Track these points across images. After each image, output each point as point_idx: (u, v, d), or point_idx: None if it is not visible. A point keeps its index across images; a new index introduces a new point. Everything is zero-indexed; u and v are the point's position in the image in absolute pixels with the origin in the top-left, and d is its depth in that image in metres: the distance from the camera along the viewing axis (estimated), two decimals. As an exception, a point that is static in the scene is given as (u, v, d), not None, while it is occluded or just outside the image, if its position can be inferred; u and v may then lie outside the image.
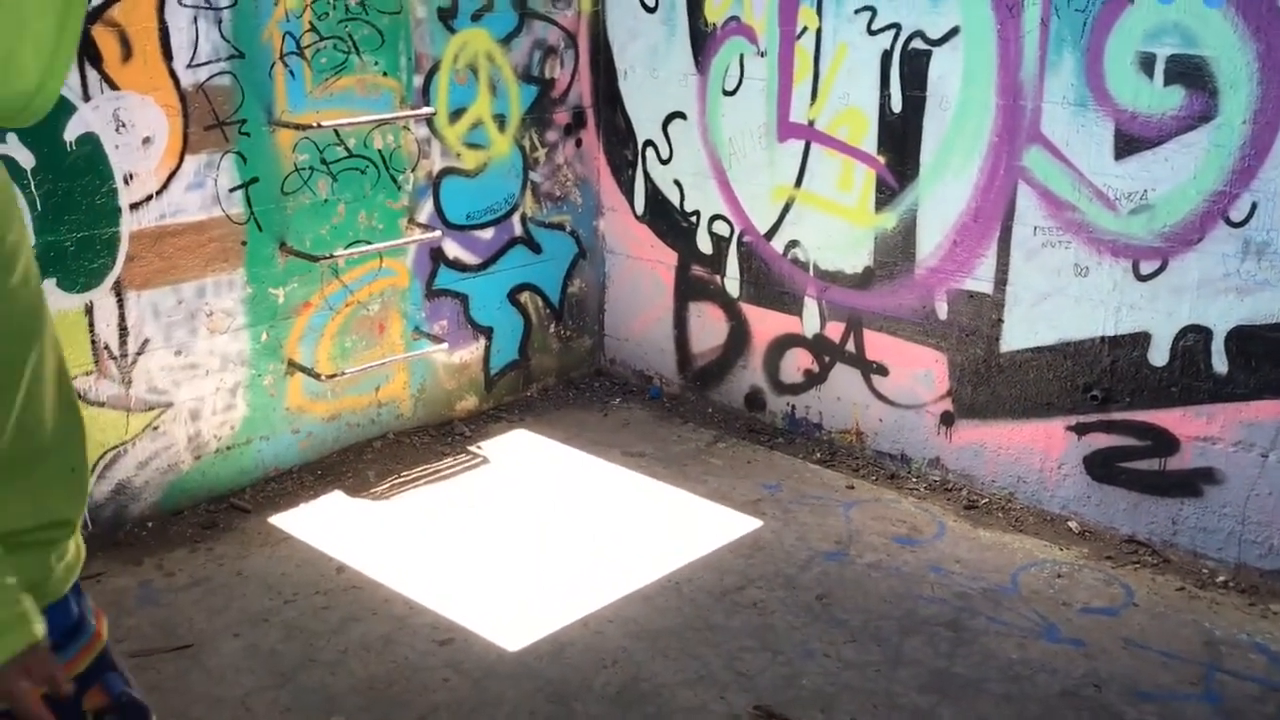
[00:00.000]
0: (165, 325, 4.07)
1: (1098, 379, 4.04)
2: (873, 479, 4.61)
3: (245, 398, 4.36)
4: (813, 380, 4.89)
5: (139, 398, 4.06)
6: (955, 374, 4.42)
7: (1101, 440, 4.08)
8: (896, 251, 4.46)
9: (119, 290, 3.92)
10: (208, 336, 4.20)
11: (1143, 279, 3.86)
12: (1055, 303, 4.08)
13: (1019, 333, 4.21)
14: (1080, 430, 4.12)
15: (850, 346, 4.72)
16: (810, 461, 4.77)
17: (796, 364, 4.93)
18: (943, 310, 4.39)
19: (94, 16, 3.67)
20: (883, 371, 4.64)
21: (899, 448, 4.65)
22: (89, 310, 3.87)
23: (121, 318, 3.95)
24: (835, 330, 4.75)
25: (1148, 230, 3.81)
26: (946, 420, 4.48)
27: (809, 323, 4.83)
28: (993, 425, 4.36)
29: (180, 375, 4.15)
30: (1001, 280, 4.20)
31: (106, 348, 3.94)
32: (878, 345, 4.63)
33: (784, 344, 4.96)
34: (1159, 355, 3.87)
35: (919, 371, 4.52)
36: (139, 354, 4.02)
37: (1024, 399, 4.25)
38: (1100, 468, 4.11)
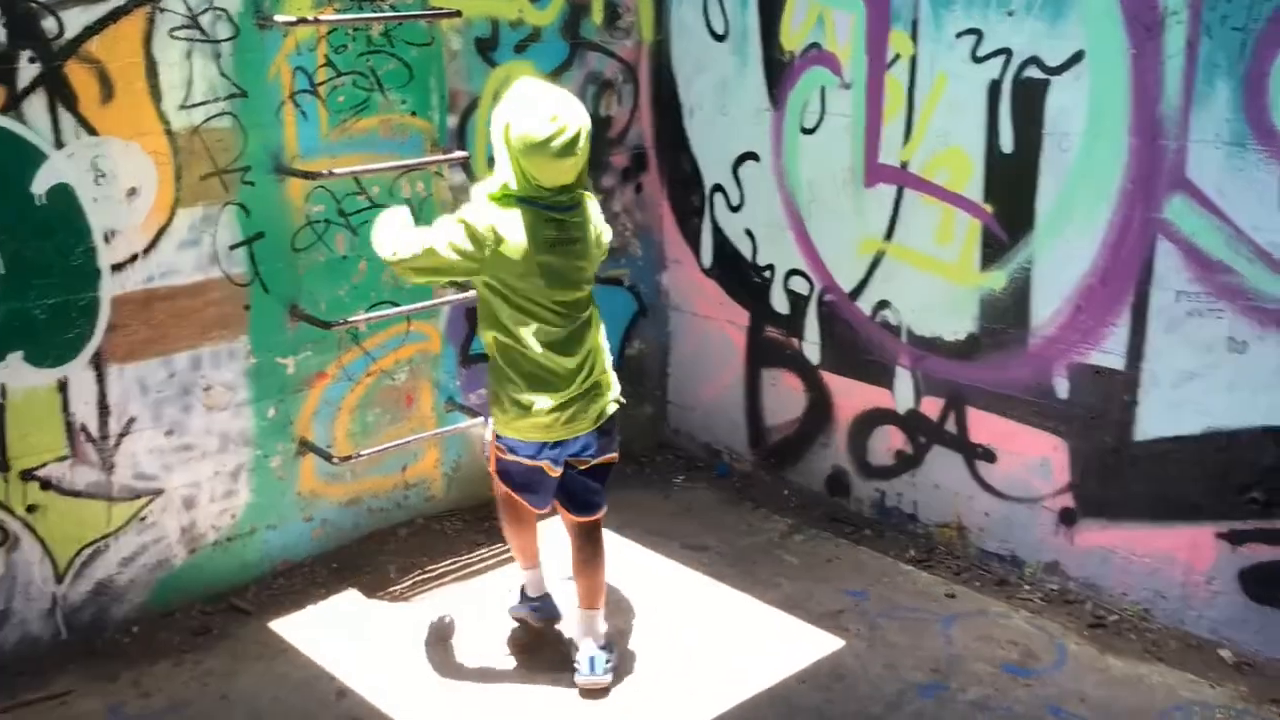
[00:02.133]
0: (154, 402, 3.55)
1: (1259, 479, 3.28)
2: (977, 585, 3.89)
3: (249, 482, 3.82)
4: (906, 464, 4.19)
5: (123, 485, 3.54)
6: (1078, 464, 3.69)
7: (1263, 552, 3.32)
8: (1007, 316, 3.76)
9: (99, 363, 3.42)
10: (204, 414, 3.67)
11: (1319, 359, 3.11)
12: (1204, 384, 3.34)
13: (1158, 419, 3.47)
14: (1235, 539, 3.36)
15: (951, 426, 4.01)
16: (903, 561, 4.06)
17: (887, 444, 4.23)
18: (1063, 388, 3.67)
19: (68, 51, 3.18)
20: (989, 457, 3.92)
21: (1009, 548, 3.93)
22: (62, 387, 3.37)
23: (101, 395, 3.45)
24: (933, 406, 4.05)
25: (1326, 299, 3.07)
26: (1067, 519, 3.75)
27: (901, 396, 4.14)
28: (1124, 528, 3.62)
29: (172, 458, 3.63)
30: (1136, 355, 3.47)
31: (84, 429, 3.43)
32: (984, 426, 3.92)
33: (872, 420, 4.27)
34: (1341, 453, 3.12)
35: (1033, 459, 3.80)
36: (123, 435, 3.51)
37: (1164, 498, 3.50)
38: (1261, 585, 3.34)
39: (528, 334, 3.06)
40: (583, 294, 3.18)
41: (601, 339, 3.27)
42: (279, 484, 3.90)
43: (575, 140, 2.93)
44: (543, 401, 3.09)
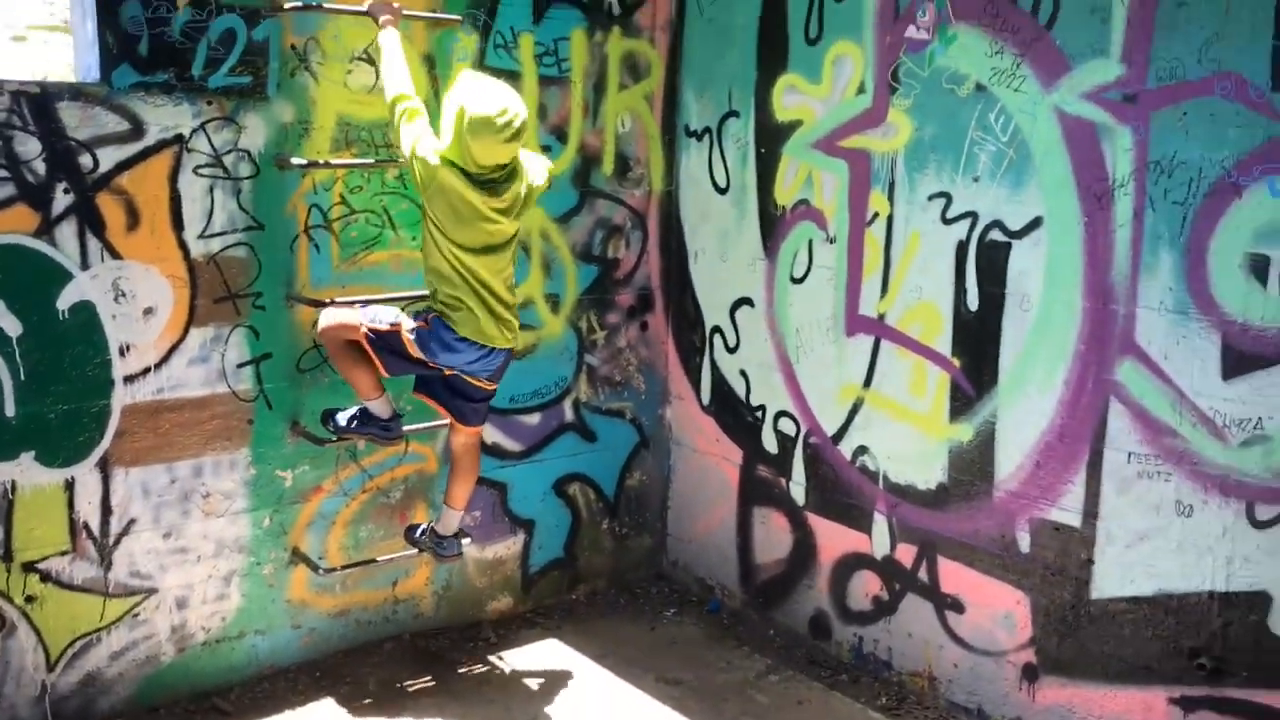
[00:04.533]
0: (155, 505, 3.81)
1: (1206, 644, 3.27)
2: (941, 737, 3.89)
3: (241, 587, 4.03)
4: (882, 610, 4.23)
5: (119, 582, 3.78)
6: (1039, 620, 3.70)
7: (1215, 721, 3.29)
8: (974, 469, 3.84)
9: (105, 466, 3.69)
10: (202, 519, 3.91)
11: (1260, 526, 3.13)
12: (1154, 545, 3.37)
13: (1112, 578, 3.49)
14: (1187, 706, 3.34)
15: (923, 574, 4.06)
16: (873, 708, 4.07)
17: (865, 588, 4.29)
18: (1025, 542, 3.71)
19: (100, 184, 3.54)
20: (958, 608, 3.95)
21: (975, 701, 3.92)
22: (69, 486, 3.64)
23: (105, 495, 3.71)
24: (907, 554, 4.11)
25: (1264, 467, 3.10)
26: (1029, 674, 3.75)
27: (879, 542, 4.21)
28: (1083, 687, 3.60)
29: (168, 559, 3.86)
30: (1091, 513, 3.52)
31: (86, 526, 3.69)
32: (953, 576, 3.96)
33: (852, 564, 4.33)
34: (1283, 623, 3.11)
35: (999, 612, 3.82)
36: (123, 534, 3.76)
37: (1119, 659, 3.49)
38: (1215, 756, 3.30)
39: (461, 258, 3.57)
40: (507, 240, 3.66)
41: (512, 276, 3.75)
42: (270, 591, 4.09)
43: (522, 129, 3.42)
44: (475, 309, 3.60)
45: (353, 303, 3.86)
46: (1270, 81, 2.99)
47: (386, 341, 3.63)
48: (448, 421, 4.11)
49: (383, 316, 3.64)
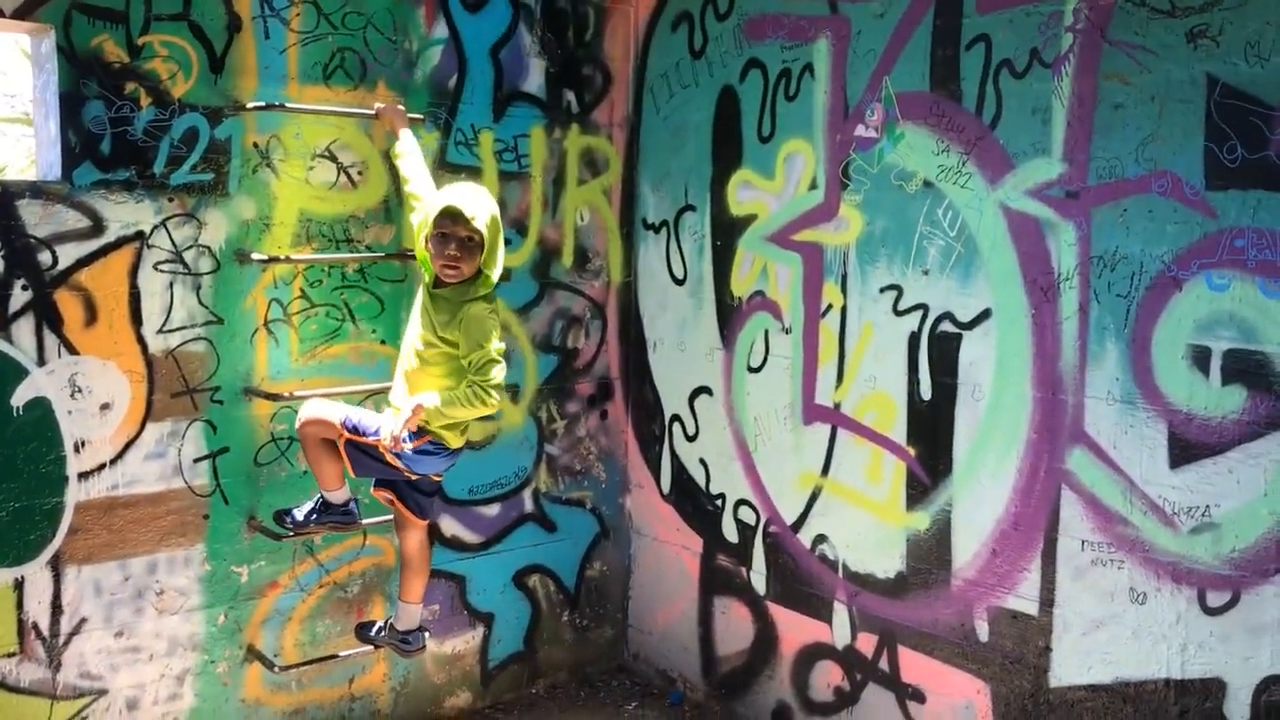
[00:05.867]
0: (106, 604, 3.74)
1: (1165, 733, 3.29)
2: (904, 830, 3.85)
3: (194, 686, 3.95)
4: (844, 701, 4.22)
5: (68, 684, 3.69)
6: (999, 709, 3.71)
7: (1176, 812, 3.30)
8: (931, 557, 3.87)
9: (56, 565, 3.63)
10: (155, 617, 3.85)
11: (1211, 613, 3.17)
12: (1110, 632, 3.40)
13: (1070, 666, 3.51)
14: (1148, 796, 3.35)
15: (884, 664, 4.06)
16: (835, 799, 4.04)
17: (827, 679, 4.27)
18: (983, 631, 3.73)
19: (58, 281, 3.54)
20: (919, 698, 3.95)
21: (938, 792, 3.90)
22: (19, 585, 3.58)
23: (56, 595, 3.65)
24: (867, 643, 4.12)
25: (1213, 554, 3.15)
26: (991, 765, 3.74)
27: (839, 631, 4.21)
28: (1045, 777, 3.60)
29: (119, 659, 3.79)
30: (1048, 601, 3.55)
31: (35, 626, 3.62)
32: (914, 665, 3.97)
33: (813, 654, 4.33)
34: (1238, 710, 3.13)
35: (959, 702, 3.82)
36: (73, 634, 3.69)
37: (1080, 748, 3.50)
38: (1177, 846, 3.30)
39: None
40: None
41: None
42: (224, 690, 4.02)
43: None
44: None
45: (332, 394, 3.88)
46: (1204, 180, 3.11)
47: (364, 449, 3.59)
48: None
49: (367, 427, 3.54)
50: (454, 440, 3.59)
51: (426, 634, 4.02)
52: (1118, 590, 3.38)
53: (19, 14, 3.43)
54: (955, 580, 3.81)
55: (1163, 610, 3.28)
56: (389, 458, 3.53)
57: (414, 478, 3.65)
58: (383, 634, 3.99)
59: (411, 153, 3.82)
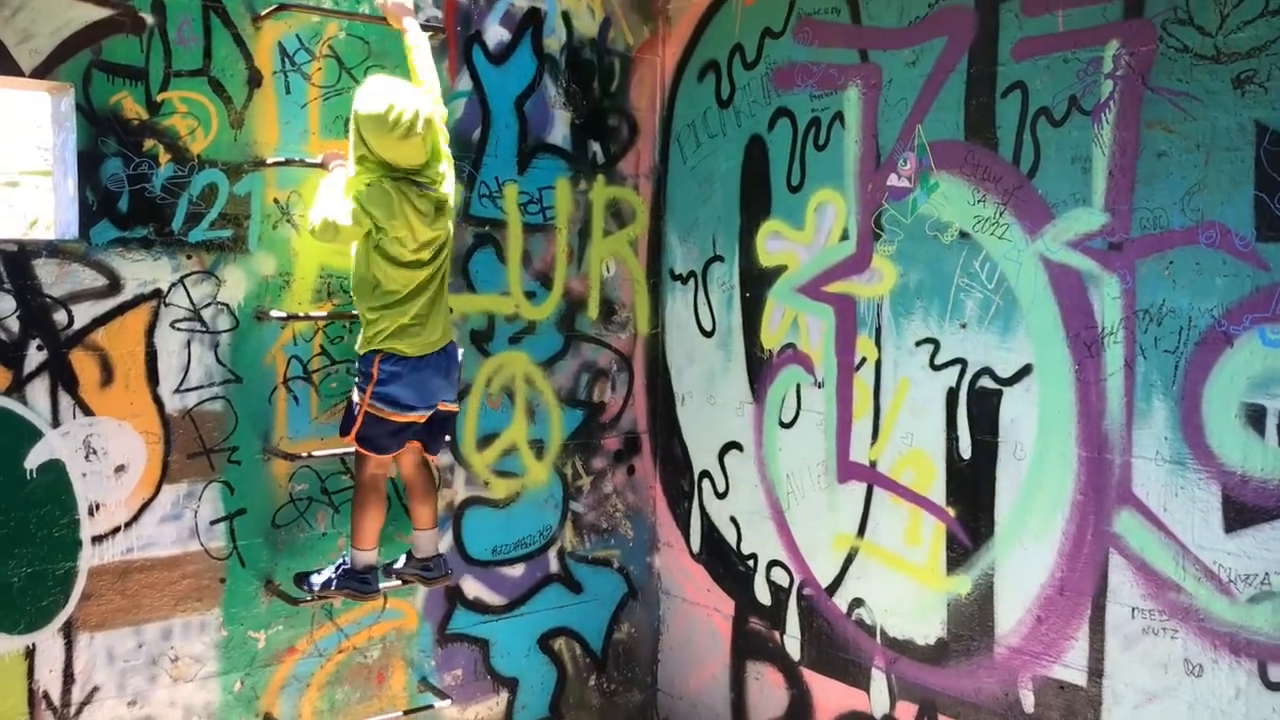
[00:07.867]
0: (120, 671, 3.64)
1: (1226, 815, 3.10)
2: None
3: (209, 756, 3.84)
4: (882, 771, 4.04)
5: (79, 755, 3.60)
6: (1047, 785, 3.53)
7: None
8: (973, 623, 3.71)
9: (69, 631, 3.54)
10: (170, 684, 3.74)
11: (1274, 687, 2.99)
12: (1165, 706, 3.22)
13: (1122, 740, 3.33)
14: None
15: (924, 734, 3.89)
16: None
17: (864, 748, 4.10)
18: (1028, 702, 3.56)
19: (74, 340, 3.48)
20: (962, 770, 3.77)
21: None
22: (29, 654, 3.48)
23: (68, 663, 3.55)
24: (907, 712, 3.94)
25: (1274, 625, 2.98)
26: (1039, 844, 3.55)
27: (877, 700, 4.04)
28: None
29: (132, 729, 3.69)
30: (1097, 671, 3.38)
31: (46, 696, 3.52)
32: (956, 735, 3.79)
33: (850, 722, 4.16)
34: (1305, 793, 2.94)
35: (1004, 775, 3.64)
36: (85, 704, 3.59)
37: (1134, 829, 3.31)
38: None
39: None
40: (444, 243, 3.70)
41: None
42: (239, 759, 3.90)
43: (413, 123, 3.40)
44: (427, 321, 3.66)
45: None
46: (1254, 231, 2.97)
47: (368, 430, 3.63)
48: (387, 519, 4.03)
49: (354, 407, 3.66)
50: (417, 348, 3.61)
51: (445, 559, 4.02)
52: (1171, 661, 3.20)
53: (38, 73, 3.40)
54: (998, 648, 3.64)
55: (1220, 683, 3.10)
56: (393, 416, 3.61)
57: (420, 419, 3.69)
58: (406, 568, 3.96)
59: (413, 48, 3.75)
